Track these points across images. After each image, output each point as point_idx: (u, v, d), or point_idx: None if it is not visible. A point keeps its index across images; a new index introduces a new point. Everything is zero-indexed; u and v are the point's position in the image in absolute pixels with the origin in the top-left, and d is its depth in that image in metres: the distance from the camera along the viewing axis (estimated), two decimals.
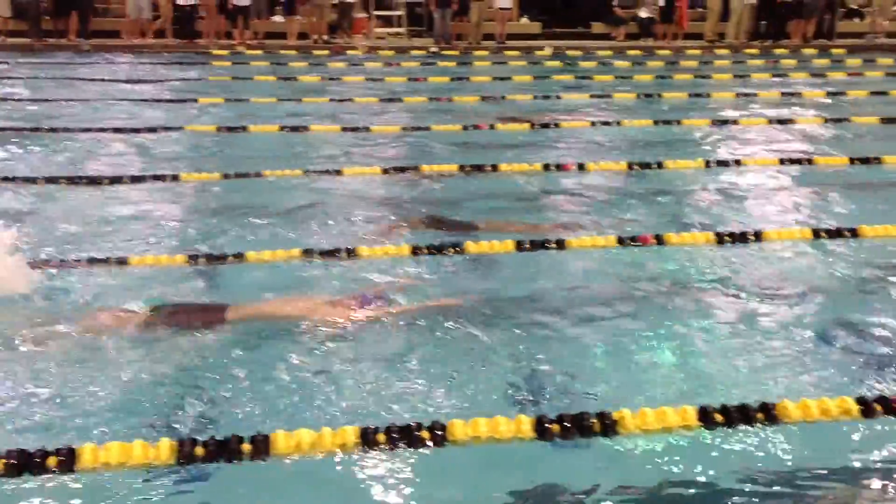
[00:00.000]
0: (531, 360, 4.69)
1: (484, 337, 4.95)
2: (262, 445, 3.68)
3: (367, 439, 3.73)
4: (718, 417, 3.89)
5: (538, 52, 20.96)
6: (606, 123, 11.61)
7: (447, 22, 21.85)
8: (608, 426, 3.84)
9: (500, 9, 22.16)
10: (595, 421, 3.86)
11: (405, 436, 3.75)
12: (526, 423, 3.83)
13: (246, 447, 3.66)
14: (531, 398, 4.31)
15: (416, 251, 6.23)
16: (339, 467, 3.67)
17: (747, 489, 3.61)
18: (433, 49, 21.31)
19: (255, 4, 21.58)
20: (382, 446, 3.71)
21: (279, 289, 5.53)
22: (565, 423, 3.84)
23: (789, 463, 3.77)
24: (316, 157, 9.78)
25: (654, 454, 3.82)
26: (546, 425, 3.82)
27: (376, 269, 5.90)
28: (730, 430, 3.87)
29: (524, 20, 23.69)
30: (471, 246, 6.31)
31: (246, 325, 4.98)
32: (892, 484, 3.65)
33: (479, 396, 4.31)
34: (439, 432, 3.76)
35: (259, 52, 20.29)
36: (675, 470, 3.72)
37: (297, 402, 4.24)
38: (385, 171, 8.72)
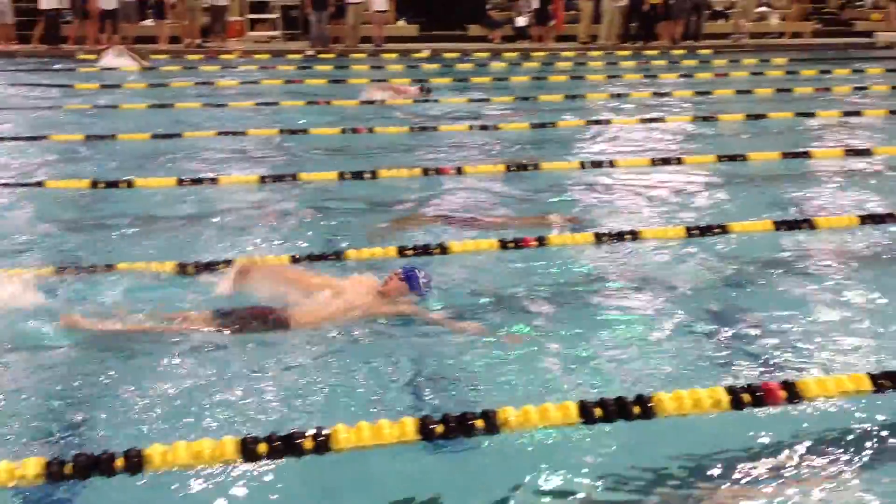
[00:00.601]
0: (415, 364, 4.68)
1: (366, 342, 4.92)
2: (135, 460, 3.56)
3: (247, 451, 3.65)
4: (598, 412, 3.96)
5: (416, 55, 21.02)
6: (484, 127, 11.71)
7: (324, 25, 21.69)
8: (492, 425, 3.86)
9: (377, 11, 22.12)
10: (479, 420, 3.88)
11: (288, 446, 3.69)
12: (410, 426, 3.81)
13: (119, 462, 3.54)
14: (416, 401, 4.31)
15: (295, 260, 6.14)
16: (218, 479, 3.58)
17: (630, 479, 3.69)
18: (309, 52, 21.12)
19: (123, 8, 20.95)
20: (264, 457, 3.64)
21: (148, 301, 5.34)
22: (450, 424, 3.85)
23: (666, 452, 3.86)
24: (189, 163, 9.54)
25: (538, 450, 3.85)
26: (430, 427, 3.82)
27: None
28: (608, 424, 3.95)
29: (401, 23, 23.72)
30: (352, 254, 6.28)
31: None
32: (762, 473, 3.76)
33: (363, 402, 4.28)
34: (323, 439, 3.71)
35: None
36: (557, 465, 3.76)
37: (177, 414, 4.13)
38: (262, 180, 8.56)
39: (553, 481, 3.66)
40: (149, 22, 21.98)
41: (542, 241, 6.51)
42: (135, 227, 7.09)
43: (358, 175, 8.65)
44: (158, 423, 4.05)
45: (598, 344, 4.95)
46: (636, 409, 3.99)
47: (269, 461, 3.64)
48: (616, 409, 3.99)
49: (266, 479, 3.62)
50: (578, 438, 3.92)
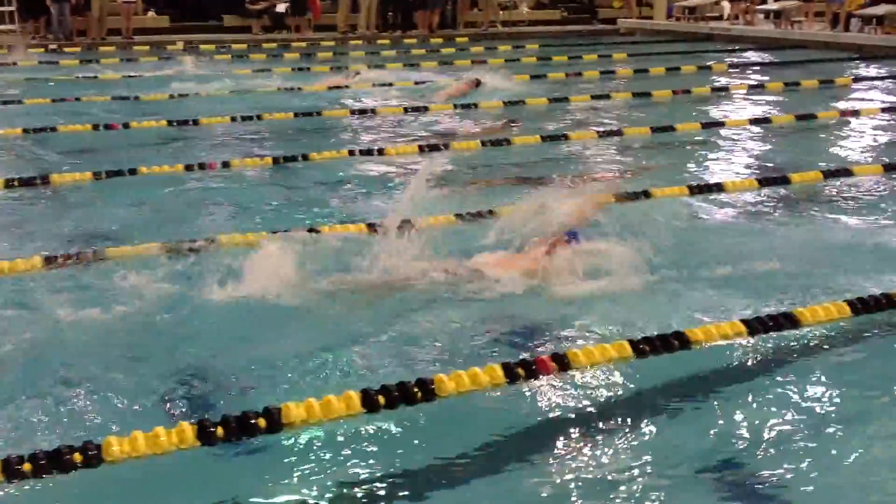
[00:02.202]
0: (188, 367, 4.50)
1: (136, 346, 4.68)
2: None
3: (9, 470, 3.37)
4: (381, 399, 3.95)
5: (169, 48, 20.27)
6: (248, 118, 11.45)
7: (66, 17, 20.45)
8: (274, 422, 3.77)
9: (124, 2, 21.13)
10: (260, 419, 3.78)
11: (55, 462, 3.44)
12: (188, 431, 3.65)
13: None
14: (191, 406, 4.13)
15: (49, 261, 5.77)
16: None
17: (419, 467, 3.70)
18: (52, 46, 19.87)
19: None
20: (28, 476, 3.37)
21: None
22: (230, 425, 3.72)
23: (452, 436, 3.91)
24: None
25: (323, 445, 3.80)
26: (209, 430, 3.67)
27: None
28: (393, 411, 3.95)
29: (151, 14, 22.80)
30: (112, 251, 5.98)
31: None
32: (542, 442, 3.89)
33: (135, 410, 4.06)
34: (93, 452, 3.48)
35: None
36: (342, 458, 3.72)
37: None
38: (8, 185, 7.94)
39: (344, 474, 3.61)
40: None
41: (312, 231, 6.43)
42: None
43: (118, 173, 8.23)
44: None
45: (368, 332, 4.92)
46: (418, 393, 4.03)
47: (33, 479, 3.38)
48: (399, 395, 4.00)
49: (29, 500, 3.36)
50: (364, 428, 3.89)
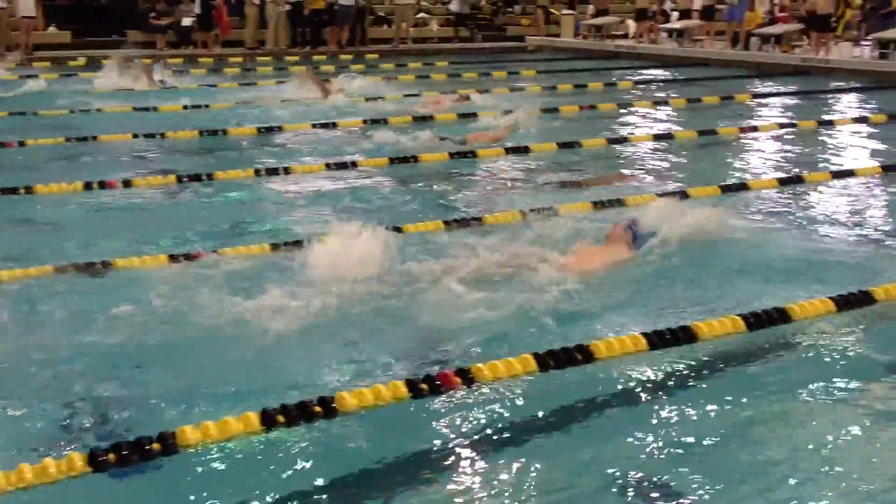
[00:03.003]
0: (81, 393, 4.35)
1: (19, 375, 4.50)
2: None
3: None
4: (280, 419, 3.89)
5: (71, 63, 19.77)
6: (151, 136, 11.22)
7: None
8: (169, 446, 3.67)
9: (24, 17, 20.55)
10: (155, 444, 3.67)
11: None
12: (78, 461, 3.53)
13: None
14: (85, 433, 4.00)
15: None
16: None
17: (321, 485, 3.64)
18: None
19: None
20: None
21: None
22: (123, 452, 3.61)
23: (354, 453, 3.86)
24: None
25: (221, 467, 3.72)
26: (101, 458, 3.55)
27: None
28: (293, 429, 3.89)
29: (52, 29, 22.22)
30: (3, 274, 5.77)
31: None
32: (447, 461, 3.87)
33: (23, 440, 3.91)
34: None
35: None
36: (241, 479, 3.64)
37: None
38: None
39: (245, 495, 3.54)
40: None
41: (216, 255, 6.33)
42: None
43: (12, 191, 7.98)
44: None
45: (271, 349, 4.84)
46: (318, 410, 3.97)
47: None
48: (299, 413, 3.94)
49: None
50: (263, 448, 3.82)
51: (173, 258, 6.18)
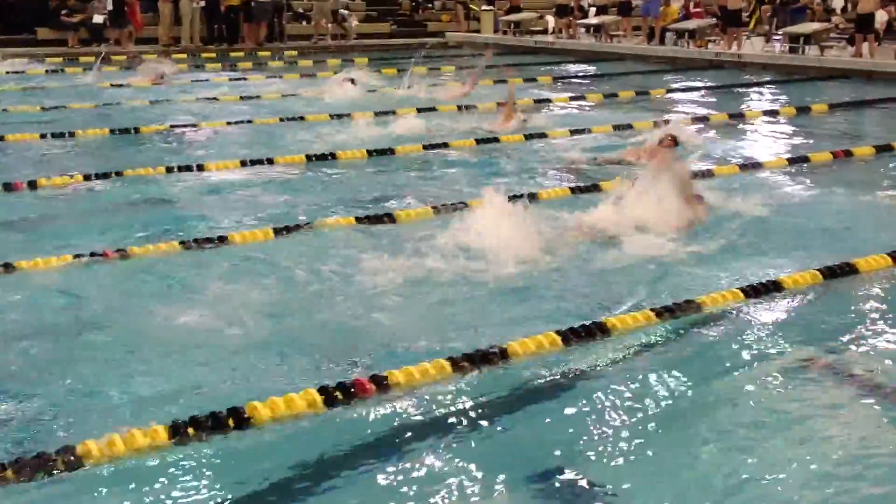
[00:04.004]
0: None
1: None
2: None
3: None
4: (191, 431, 3.80)
5: None
6: (60, 135, 10.91)
7: None
8: (72, 462, 3.55)
9: None
10: (57, 458, 3.55)
11: None
12: None
13: None
14: None
15: None
16: None
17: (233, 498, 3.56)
18: None
19: None
20: None
21: None
22: (23, 467, 3.48)
23: (268, 462, 3.79)
24: None
25: (128, 481, 3.60)
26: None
27: None
28: (205, 442, 3.79)
29: None
30: None
31: None
32: (361, 465, 3.82)
33: None
34: None
35: None
36: (148, 494, 3.53)
37: None
38: None
39: None
40: None
41: (123, 254, 6.18)
42: None
43: None
44: None
45: (175, 359, 4.73)
46: (231, 422, 3.89)
47: None
48: (211, 425, 3.85)
49: None
50: (174, 461, 3.72)
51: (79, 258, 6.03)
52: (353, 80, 14.94)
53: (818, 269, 5.88)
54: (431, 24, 28.94)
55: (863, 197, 8.39)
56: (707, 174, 8.95)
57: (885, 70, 17.74)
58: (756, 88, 17.42)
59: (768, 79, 18.19)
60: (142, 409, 4.10)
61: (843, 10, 22.14)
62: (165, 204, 8.03)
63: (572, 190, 8.28)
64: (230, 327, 5.03)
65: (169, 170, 9.07)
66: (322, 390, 4.13)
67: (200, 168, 9.21)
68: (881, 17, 20.39)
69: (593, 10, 26.47)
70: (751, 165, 9.65)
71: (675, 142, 7.56)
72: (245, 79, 17.46)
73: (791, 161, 9.81)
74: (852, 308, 5.60)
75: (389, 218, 7.27)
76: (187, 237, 6.63)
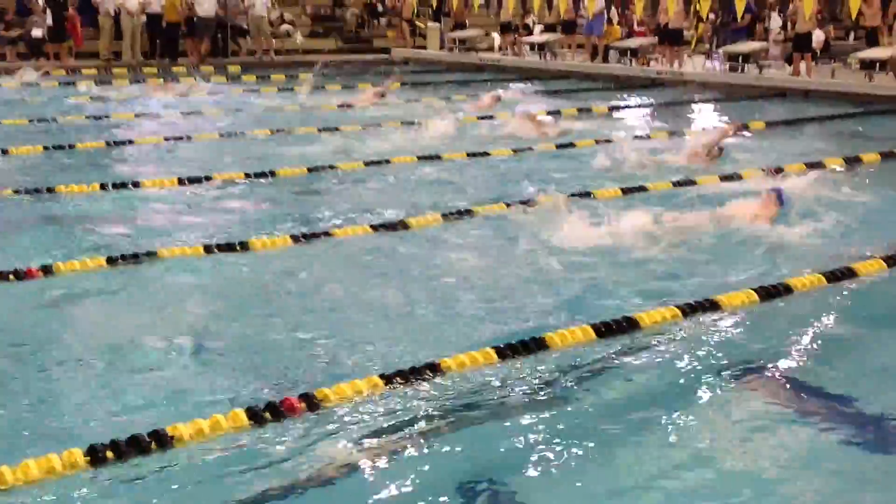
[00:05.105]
0: None
1: None
2: None
3: None
4: (110, 454, 3.68)
5: None
6: None
7: None
8: None
9: None
10: None
11: None
12: None
13: None
14: None
15: None
16: None
17: None
18: None
19: None
20: None
21: None
22: None
23: (189, 487, 3.69)
24: None
25: None
26: None
27: None
28: (123, 465, 3.68)
29: None
30: None
31: None
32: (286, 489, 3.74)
33: None
34: None
35: None
36: None
37: None
38: None
39: None
40: None
41: (47, 271, 6.05)
42: None
43: None
44: None
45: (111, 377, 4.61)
46: (153, 445, 3.78)
47: None
48: (130, 449, 3.74)
49: None
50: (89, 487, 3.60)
51: (3, 276, 5.89)
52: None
53: (753, 289, 5.89)
54: (377, 41, 28.92)
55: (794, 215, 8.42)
56: (641, 189, 8.99)
57: (822, 88, 18.10)
58: (697, 105, 17.66)
59: (708, 96, 18.43)
60: (61, 432, 3.98)
61: (783, 27, 22.59)
62: (96, 221, 7.85)
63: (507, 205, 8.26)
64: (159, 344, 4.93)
65: (104, 187, 8.89)
66: (249, 411, 4.04)
67: (136, 184, 9.06)
68: (818, 36, 20.79)
69: (539, 28, 26.65)
70: (683, 182, 9.57)
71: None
72: (187, 95, 17.23)
73: (723, 178, 9.82)
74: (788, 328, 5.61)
75: (327, 235, 7.20)
76: (115, 254, 6.49)
